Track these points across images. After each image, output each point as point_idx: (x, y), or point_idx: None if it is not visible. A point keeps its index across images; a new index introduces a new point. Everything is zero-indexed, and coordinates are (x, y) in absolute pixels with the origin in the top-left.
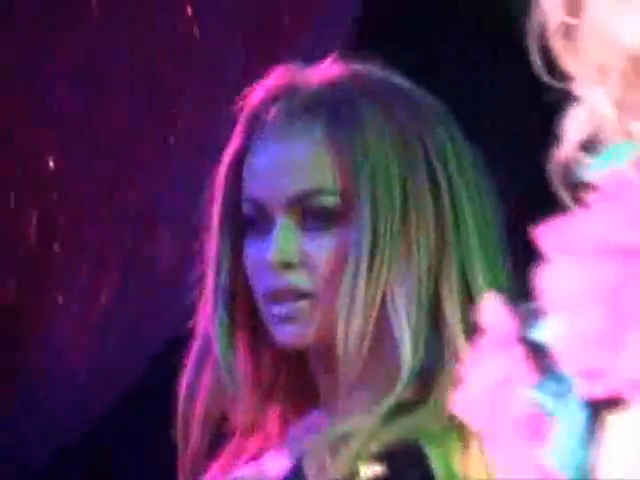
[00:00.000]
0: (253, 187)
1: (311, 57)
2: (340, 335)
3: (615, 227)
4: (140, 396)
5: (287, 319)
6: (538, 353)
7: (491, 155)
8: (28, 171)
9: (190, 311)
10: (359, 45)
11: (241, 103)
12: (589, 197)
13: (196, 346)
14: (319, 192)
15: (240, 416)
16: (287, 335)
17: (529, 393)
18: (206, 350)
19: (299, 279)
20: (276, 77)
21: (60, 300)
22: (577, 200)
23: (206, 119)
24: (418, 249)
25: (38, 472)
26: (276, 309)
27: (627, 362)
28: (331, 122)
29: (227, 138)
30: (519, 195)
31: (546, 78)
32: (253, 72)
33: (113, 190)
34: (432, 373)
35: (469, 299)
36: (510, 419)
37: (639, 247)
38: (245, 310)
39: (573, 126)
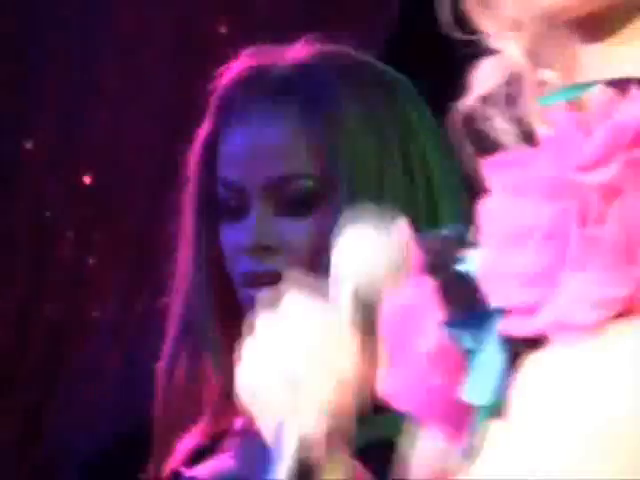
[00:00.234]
0: (228, 172)
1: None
2: None
3: (557, 166)
4: None
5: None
6: (462, 285)
7: None
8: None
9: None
10: None
11: (212, 84)
12: (541, 136)
13: (173, 330)
14: (295, 177)
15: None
16: None
17: (443, 328)
18: (184, 332)
19: (277, 263)
20: (247, 58)
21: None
22: (479, 150)
23: None
24: None
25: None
26: (254, 293)
27: (557, 301)
28: (305, 106)
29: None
30: None
31: (456, 34)
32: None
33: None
34: None
35: None
36: (423, 354)
37: (579, 187)
38: (223, 292)
39: (482, 77)
